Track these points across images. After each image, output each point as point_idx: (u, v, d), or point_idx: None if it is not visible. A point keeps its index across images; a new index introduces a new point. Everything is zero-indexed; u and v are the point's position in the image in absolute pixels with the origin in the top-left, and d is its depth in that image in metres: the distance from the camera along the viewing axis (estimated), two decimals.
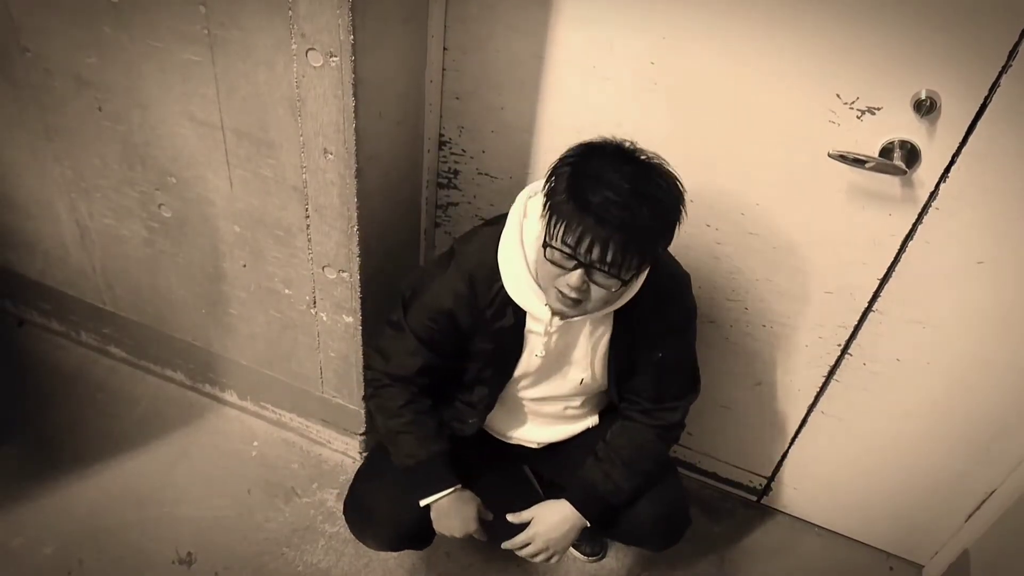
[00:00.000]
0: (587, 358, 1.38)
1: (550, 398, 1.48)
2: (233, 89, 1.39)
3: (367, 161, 1.38)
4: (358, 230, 1.46)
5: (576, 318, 1.30)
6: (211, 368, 1.98)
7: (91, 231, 1.82)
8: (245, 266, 1.68)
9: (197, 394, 2.06)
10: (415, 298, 1.37)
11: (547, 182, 1.19)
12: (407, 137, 1.52)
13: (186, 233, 1.70)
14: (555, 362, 1.40)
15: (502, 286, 1.30)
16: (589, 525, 1.43)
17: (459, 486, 1.41)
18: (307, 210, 1.49)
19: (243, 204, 1.56)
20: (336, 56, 1.23)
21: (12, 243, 1.98)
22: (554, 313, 1.28)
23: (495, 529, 1.47)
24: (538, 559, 1.45)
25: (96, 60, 1.48)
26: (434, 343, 1.36)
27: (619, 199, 1.11)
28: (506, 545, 1.46)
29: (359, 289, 1.56)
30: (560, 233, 1.14)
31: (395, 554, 1.78)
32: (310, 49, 1.25)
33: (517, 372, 1.41)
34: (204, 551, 1.74)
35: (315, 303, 1.66)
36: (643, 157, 1.17)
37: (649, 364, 1.39)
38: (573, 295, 1.17)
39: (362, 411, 1.82)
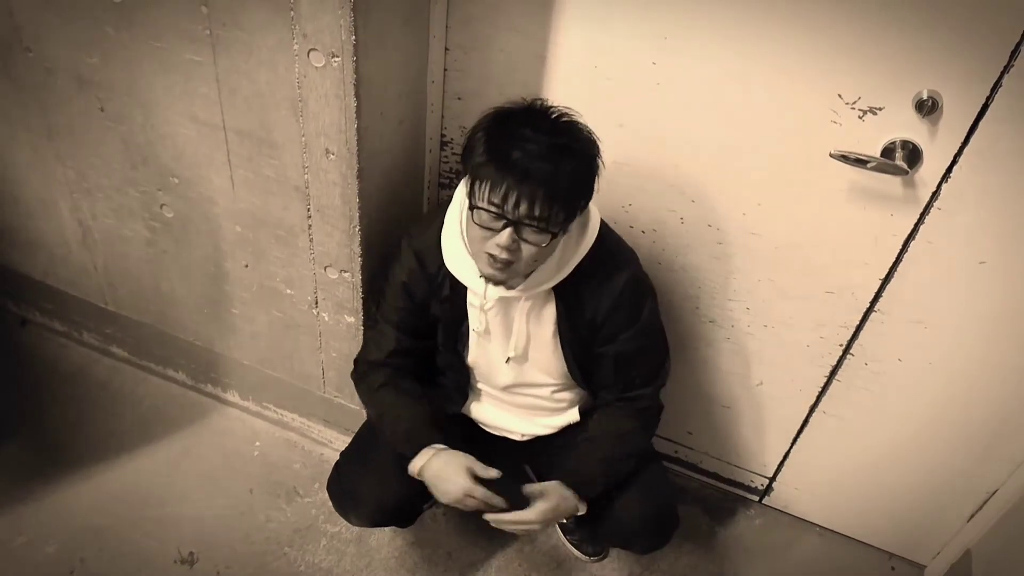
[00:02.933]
0: (519, 336, 1.40)
1: (515, 385, 1.49)
2: (235, 89, 1.39)
3: (369, 161, 1.39)
4: (360, 230, 1.46)
5: (512, 293, 1.32)
6: (213, 368, 1.99)
7: (93, 231, 1.83)
8: (247, 266, 1.68)
9: (199, 394, 2.06)
10: (383, 288, 1.45)
11: (464, 150, 1.22)
12: (409, 137, 1.52)
13: (188, 233, 1.70)
14: (501, 344, 1.42)
15: (443, 258, 1.35)
16: (582, 512, 1.41)
17: (442, 446, 1.38)
18: (309, 210, 1.49)
19: (245, 204, 1.56)
20: (338, 56, 1.23)
21: (15, 242, 1.98)
22: (487, 280, 1.29)
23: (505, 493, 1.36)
24: (517, 530, 1.40)
25: (98, 60, 1.48)
26: (403, 324, 1.44)
27: (540, 153, 1.14)
28: (496, 518, 1.36)
29: (361, 289, 1.56)
30: (486, 193, 1.16)
31: (397, 553, 1.78)
32: (312, 49, 1.25)
33: (470, 353, 1.45)
34: (206, 550, 1.75)
35: (317, 303, 1.66)
36: (555, 115, 1.20)
37: (608, 358, 1.41)
38: (504, 256, 1.20)
39: (364, 411, 1.82)
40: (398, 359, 1.46)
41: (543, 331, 1.40)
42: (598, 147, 1.21)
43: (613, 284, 1.36)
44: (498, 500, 1.34)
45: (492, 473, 1.36)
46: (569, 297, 1.36)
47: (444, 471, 1.35)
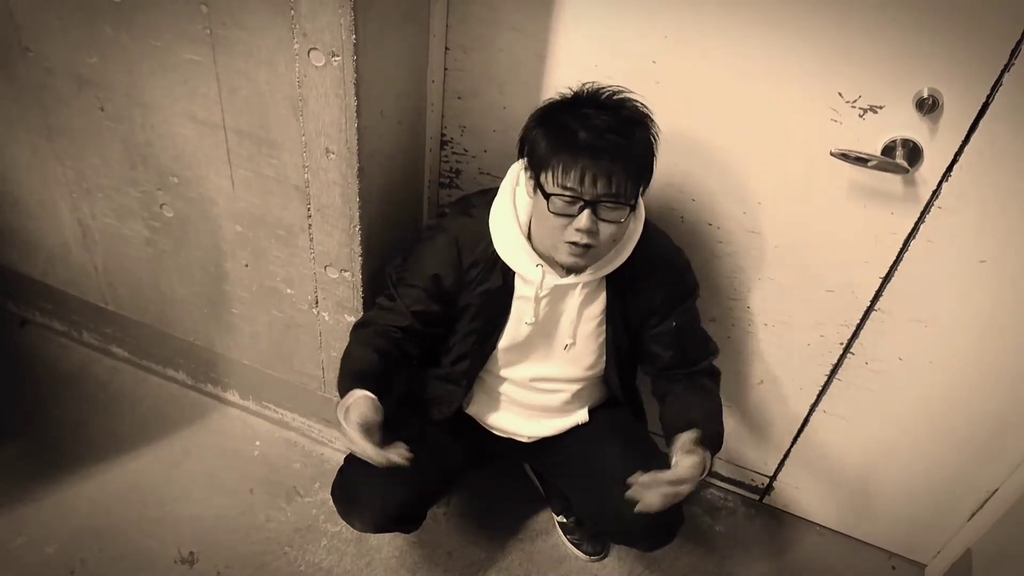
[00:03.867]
0: (572, 324, 1.39)
1: (537, 380, 1.48)
2: (235, 89, 1.39)
3: (369, 160, 1.38)
4: (360, 230, 1.46)
5: (569, 280, 1.32)
6: (213, 368, 1.99)
7: (93, 231, 1.82)
8: (247, 266, 1.68)
9: (199, 394, 2.06)
10: (409, 270, 1.40)
11: (525, 149, 1.24)
12: (409, 136, 1.52)
13: (188, 233, 1.70)
14: (542, 334, 1.41)
15: (488, 247, 1.34)
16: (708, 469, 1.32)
17: (368, 394, 1.27)
18: (309, 210, 1.49)
19: (245, 204, 1.56)
20: (338, 55, 1.23)
21: (14, 243, 1.98)
22: (569, 269, 1.31)
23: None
24: (670, 492, 1.24)
25: (97, 60, 1.48)
26: (422, 314, 1.39)
27: (608, 127, 1.16)
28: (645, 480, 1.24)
29: (361, 289, 1.56)
30: (559, 178, 1.17)
31: (397, 552, 1.78)
32: (312, 48, 1.25)
33: (503, 343, 1.42)
34: (206, 550, 1.75)
35: (317, 303, 1.66)
36: (606, 93, 1.22)
37: (667, 334, 1.41)
38: (584, 240, 1.21)
39: None
40: (402, 335, 1.41)
41: (590, 320, 1.40)
42: (652, 114, 1.23)
43: (666, 262, 1.39)
44: (371, 451, 1.21)
45: (375, 418, 1.24)
46: (620, 282, 1.36)
47: (346, 417, 1.25)
